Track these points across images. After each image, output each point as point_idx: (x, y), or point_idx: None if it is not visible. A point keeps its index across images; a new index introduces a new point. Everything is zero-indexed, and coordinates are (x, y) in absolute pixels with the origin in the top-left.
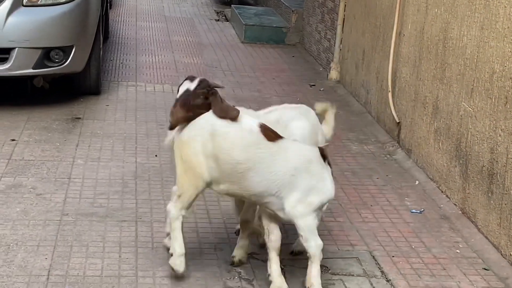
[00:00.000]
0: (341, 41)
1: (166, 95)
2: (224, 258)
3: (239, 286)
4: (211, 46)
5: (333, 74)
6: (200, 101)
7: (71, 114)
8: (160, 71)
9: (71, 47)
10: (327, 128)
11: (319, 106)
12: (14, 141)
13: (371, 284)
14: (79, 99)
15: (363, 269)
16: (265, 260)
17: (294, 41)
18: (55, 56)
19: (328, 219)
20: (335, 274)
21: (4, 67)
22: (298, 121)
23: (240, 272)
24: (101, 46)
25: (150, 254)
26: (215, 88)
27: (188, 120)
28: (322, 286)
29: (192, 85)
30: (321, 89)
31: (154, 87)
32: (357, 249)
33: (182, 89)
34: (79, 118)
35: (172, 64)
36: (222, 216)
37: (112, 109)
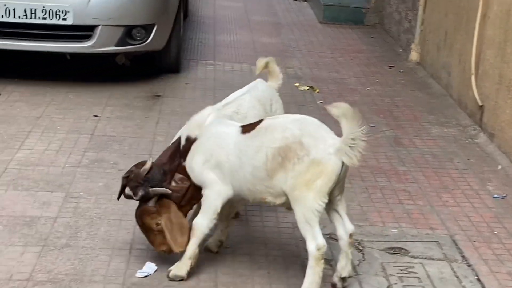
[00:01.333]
0: (423, 22)
1: (244, 74)
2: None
3: None
4: (289, 26)
5: (413, 55)
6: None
7: (151, 92)
8: (238, 51)
9: (152, 25)
10: (275, 79)
11: (258, 66)
12: (96, 117)
13: (452, 269)
14: (159, 77)
15: (444, 253)
16: None
17: (373, 22)
18: (137, 34)
19: (407, 202)
20: (414, 258)
21: (88, 44)
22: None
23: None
24: (182, 24)
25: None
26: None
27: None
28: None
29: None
30: (401, 71)
31: (232, 66)
32: (437, 233)
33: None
34: (159, 95)
35: (250, 44)
36: None
37: (191, 87)
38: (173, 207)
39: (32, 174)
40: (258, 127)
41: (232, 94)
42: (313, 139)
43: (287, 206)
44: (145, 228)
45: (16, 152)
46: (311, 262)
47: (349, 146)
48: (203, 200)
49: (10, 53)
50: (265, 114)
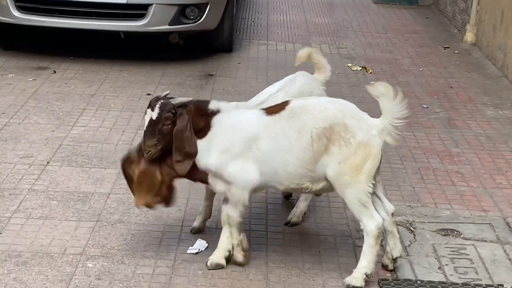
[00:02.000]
0: (479, 2)
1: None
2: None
3: None
4: (342, 6)
5: (469, 36)
6: (167, 128)
7: (204, 71)
8: (291, 30)
9: (205, 5)
10: (322, 71)
11: (299, 57)
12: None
13: (505, 251)
14: (212, 56)
15: (497, 235)
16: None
17: (428, 2)
18: (191, 13)
19: (460, 184)
20: (467, 239)
21: (142, 23)
22: None
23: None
24: (235, 4)
25: (280, 210)
26: (183, 105)
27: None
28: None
29: (154, 113)
30: (456, 52)
31: (285, 46)
32: (490, 215)
33: (146, 119)
34: (212, 74)
35: (303, 24)
36: None
37: (244, 66)
38: (154, 167)
39: (86, 150)
40: (288, 107)
41: (266, 89)
42: (355, 121)
43: (322, 192)
44: (127, 177)
45: (71, 129)
46: (371, 241)
47: (392, 126)
48: (230, 195)
49: (65, 31)
50: None
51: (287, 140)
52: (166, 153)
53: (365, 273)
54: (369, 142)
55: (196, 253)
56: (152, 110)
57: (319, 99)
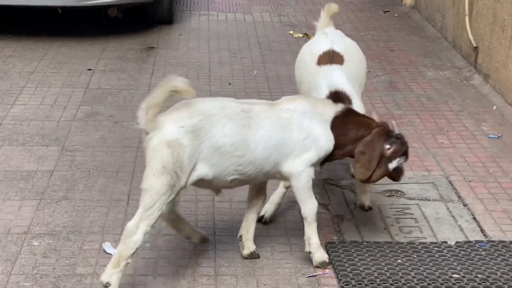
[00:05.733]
0: None
1: (239, 23)
2: None
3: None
4: None
5: None
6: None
7: (145, 44)
8: (231, 0)
9: None
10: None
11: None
12: (90, 71)
13: (448, 209)
14: (152, 29)
15: (440, 194)
16: (340, 185)
17: None
18: None
19: None
20: (411, 199)
21: None
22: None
23: (316, 197)
24: None
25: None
26: None
27: None
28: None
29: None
30: (395, 15)
31: (226, 16)
32: (433, 175)
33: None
34: (153, 47)
35: None
36: None
37: (185, 38)
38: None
39: (27, 129)
40: None
41: (319, 46)
42: None
43: None
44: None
45: (11, 107)
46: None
47: None
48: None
49: (1, 8)
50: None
51: None
52: None
53: None
54: None
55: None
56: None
57: None
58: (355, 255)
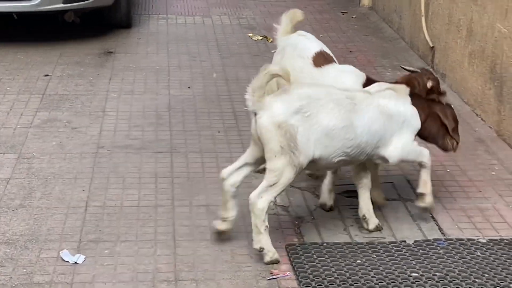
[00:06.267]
0: None
1: (198, 27)
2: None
3: (275, 213)
4: None
5: (365, 0)
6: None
7: (103, 48)
8: (190, 3)
9: None
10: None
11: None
12: (47, 76)
13: (407, 208)
14: (111, 33)
15: (398, 193)
16: (300, 187)
17: None
18: None
19: None
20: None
21: (35, 3)
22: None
23: (276, 200)
24: None
25: (185, 184)
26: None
27: None
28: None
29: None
30: (353, 16)
31: (185, 19)
32: (391, 174)
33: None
34: (111, 52)
35: None
36: None
37: (144, 42)
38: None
39: None
40: None
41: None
42: None
43: None
44: None
45: None
46: None
47: None
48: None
49: None
50: None
51: None
52: None
53: None
54: None
55: (75, 262)
56: None
57: None
58: (315, 256)
